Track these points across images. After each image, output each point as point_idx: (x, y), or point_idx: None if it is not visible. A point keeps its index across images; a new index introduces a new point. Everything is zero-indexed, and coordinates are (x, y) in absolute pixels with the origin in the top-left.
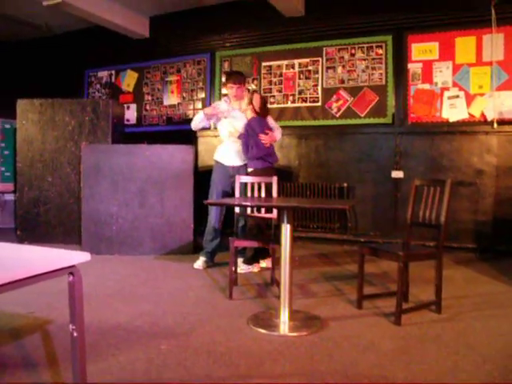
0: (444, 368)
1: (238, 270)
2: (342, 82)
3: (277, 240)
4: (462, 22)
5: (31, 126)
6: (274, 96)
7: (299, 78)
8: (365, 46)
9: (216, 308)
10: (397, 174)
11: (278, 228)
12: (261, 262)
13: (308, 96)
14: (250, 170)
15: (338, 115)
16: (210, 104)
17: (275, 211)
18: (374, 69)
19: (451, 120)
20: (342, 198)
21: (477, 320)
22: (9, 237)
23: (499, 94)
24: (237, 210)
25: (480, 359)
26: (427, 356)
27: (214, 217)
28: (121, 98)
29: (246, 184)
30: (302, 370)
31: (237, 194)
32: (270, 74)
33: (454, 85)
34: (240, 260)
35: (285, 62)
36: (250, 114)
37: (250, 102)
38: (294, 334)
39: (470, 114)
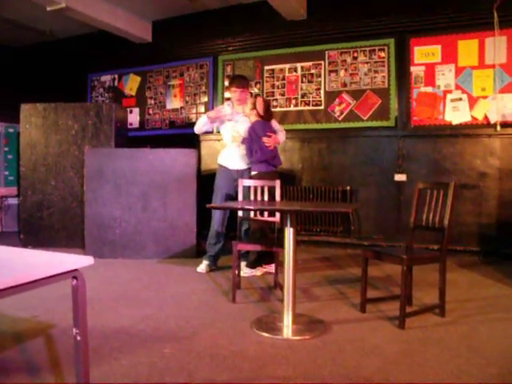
0: (448, 371)
1: (242, 274)
2: (345, 85)
3: (280, 244)
4: (465, 25)
5: (34, 130)
6: (276, 99)
7: (302, 82)
8: (367, 49)
9: (219, 312)
10: (400, 177)
11: (281, 232)
12: (264, 266)
13: (311, 99)
14: (253, 173)
15: (340, 118)
16: (213, 108)
17: (278, 215)
18: (376, 72)
19: (454, 123)
20: (345, 201)
21: (481, 323)
22: (12, 241)
23: (502, 96)
24: (240, 213)
25: (484, 362)
26: (431, 359)
27: (217, 220)
28: (124, 102)
29: (249, 187)
30: (305, 373)
31: (240, 197)
32: (273, 77)
33: (457, 88)
34: (243, 264)
35: (287, 66)
36: (254, 119)
37: (254, 107)
38: (298, 337)
39: (472, 116)
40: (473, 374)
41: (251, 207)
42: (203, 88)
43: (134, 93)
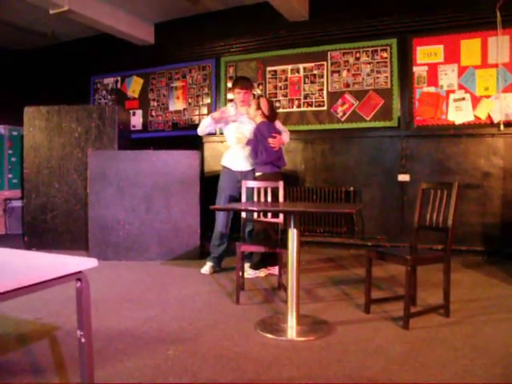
0: (452, 372)
1: (246, 275)
2: (347, 85)
3: (283, 245)
4: (467, 25)
5: (38, 133)
6: (279, 100)
7: (304, 83)
8: (369, 49)
9: (223, 313)
10: (403, 178)
11: (284, 233)
12: (268, 268)
13: (313, 100)
14: (258, 174)
15: (343, 119)
16: (216, 109)
17: (282, 216)
18: (379, 72)
19: (457, 123)
20: (349, 201)
21: (486, 323)
22: (16, 243)
23: (505, 95)
24: (243, 215)
25: (489, 362)
26: (435, 360)
27: (221, 222)
28: (127, 104)
29: (252, 189)
30: (309, 374)
31: (243, 199)
32: (275, 78)
33: (460, 87)
34: (247, 265)
35: (290, 67)
36: (260, 118)
37: (258, 107)
38: (302, 338)
39: (476, 116)
40: (477, 375)
41: (255, 208)
42: (206, 90)
43: (136, 95)
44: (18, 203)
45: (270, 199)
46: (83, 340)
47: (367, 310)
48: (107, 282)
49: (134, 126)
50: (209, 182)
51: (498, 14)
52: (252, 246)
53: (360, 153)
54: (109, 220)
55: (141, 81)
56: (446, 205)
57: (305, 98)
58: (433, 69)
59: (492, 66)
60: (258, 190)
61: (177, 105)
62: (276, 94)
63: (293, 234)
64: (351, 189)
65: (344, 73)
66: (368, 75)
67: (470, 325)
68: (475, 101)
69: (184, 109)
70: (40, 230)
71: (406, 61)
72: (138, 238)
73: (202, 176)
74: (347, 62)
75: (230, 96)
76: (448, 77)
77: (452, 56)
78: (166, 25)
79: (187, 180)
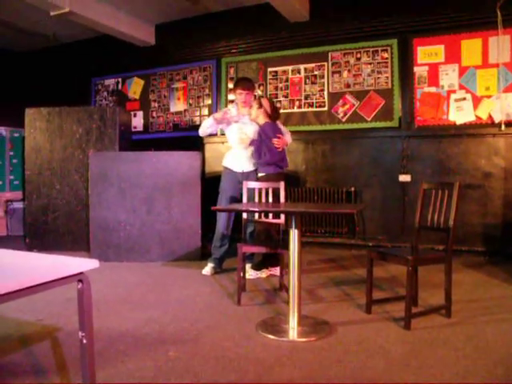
0: (454, 372)
1: (247, 276)
2: (348, 86)
3: (285, 245)
4: (468, 25)
5: (39, 135)
6: (280, 101)
7: (305, 83)
8: (370, 49)
9: (224, 314)
10: (404, 178)
11: (285, 233)
12: (269, 269)
13: (314, 101)
14: (261, 174)
15: (344, 119)
16: (217, 110)
17: (283, 216)
18: (379, 73)
19: (458, 123)
20: (350, 202)
21: (487, 324)
22: (18, 244)
23: (506, 95)
24: (245, 215)
25: (491, 363)
26: (437, 360)
27: (222, 223)
28: (127, 106)
29: (253, 189)
30: (311, 375)
31: (244, 199)
32: (276, 79)
33: (461, 87)
34: (248, 266)
35: (290, 68)
36: (263, 119)
37: (260, 106)
38: (303, 339)
39: (477, 116)
40: (479, 375)
41: (256, 209)
42: (207, 90)
43: (137, 96)
44: (19, 205)
45: (271, 200)
46: (84, 341)
47: (368, 311)
48: (108, 283)
49: (134, 127)
50: (210, 183)
51: (499, 13)
52: (253, 246)
53: (361, 153)
54: (110, 221)
55: (141, 82)
56: (447, 205)
57: (306, 98)
58: (433, 69)
59: (493, 66)
60: (260, 190)
61: (178, 106)
62: (277, 94)
63: (294, 235)
64: (352, 189)
65: (345, 73)
66: (369, 75)
67: (472, 325)
68: (476, 101)
69: (185, 110)
70: (41, 232)
71: (406, 61)
72: (139, 239)
73: (203, 177)
74: (348, 62)
75: (230, 97)
76: (449, 77)
77: (453, 56)
78: (166, 26)
79: (188, 181)
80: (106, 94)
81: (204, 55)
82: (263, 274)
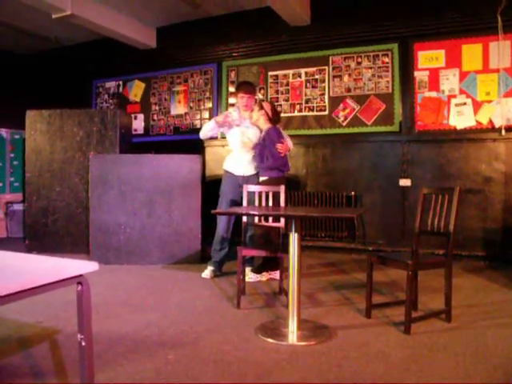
0: (454, 377)
1: (247, 279)
2: (349, 90)
3: (285, 249)
4: (468, 30)
5: (40, 137)
6: (280, 105)
7: (306, 87)
8: (371, 54)
9: (224, 317)
10: (404, 182)
11: (285, 237)
12: (269, 273)
13: (315, 105)
14: (263, 178)
15: (344, 124)
16: (218, 114)
17: (283, 220)
18: (380, 77)
19: (459, 127)
20: (350, 206)
21: (487, 328)
22: (17, 246)
23: (507, 100)
24: (245, 219)
25: (491, 368)
26: (437, 365)
27: (222, 226)
28: (128, 108)
29: (254, 193)
30: (310, 379)
31: (245, 203)
32: (277, 83)
33: (461, 92)
34: (248, 269)
35: (291, 72)
36: (263, 122)
37: (261, 108)
38: (303, 343)
39: (477, 121)
40: (479, 380)
41: (256, 213)
42: (207, 94)
43: (138, 99)
44: (19, 206)
45: (271, 203)
46: (83, 343)
47: (368, 315)
48: (108, 285)
49: (135, 130)
50: (210, 186)
51: (499, 19)
52: (253, 250)
53: (361, 157)
54: (110, 224)
55: (142, 85)
56: (447, 210)
57: (306, 102)
58: (434, 74)
59: (493, 71)
60: (260, 194)
61: (178, 109)
62: (277, 98)
63: (294, 239)
64: (352, 193)
65: (345, 77)
66: (369, 80)
67: (472, 330)
68: (476, 106)
69: (185, 113)
70: (41, 234)
71: (407, 65)
72: (139, 241)
73: (204, 180)
74: (349, 66)
75: (231, 100)
76: (449, 81)
77: (453, 61)
78: (167, 29)
79: (188, 184)
80: (106, 96)
81: (205, 58)
82: (263, 277)
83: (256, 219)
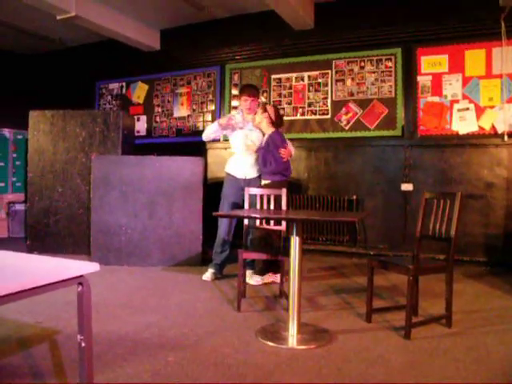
0: (454, 382)
1: (252, 282)
2: (352, 94)
3: (286, 252)
4: (472, 35)
5: (43, 137)
6: (283, 108)
7: (309, 91)
8: (374, 58)
9: (224, 320)
10: (406, 187)
11: (286, 240)
12: (269, 275)
13: (317, 108)
14: (265, 182)
15: (347, 128)
16: (220, 116)
17: (284, 223)
18: (383, 81)
19: (461, 133)
20: (352, 210)
21: (488, 335)
22: (19, 246)
23: (509, 106)
24: (246, 222)
25: (491, 374)
26: (437, 371)
27: (223, 229)
28: (131, 110)
29: (255, 196)
30: (309, 383)
31: (246, 206)
32: (280, 86)
33: (464, 97)
34: (250, 272)
35: (294, 75)
36: (266, 125)
37: (264, 111)
38: (303, 347)
39: (479, 126)
40: None
41: (257, 215)
42: (210, 96)
43: (141, 100)
44: (21, 206)
45: (272, 207)
46: (83, 344)
47: (368, 319)
48: (109, 286)
49: (138, 132)
50: (212, 189)
51: (503, 24)
52: (254, 253)
53: (363, 162)
54: (111, 225)
55: (146, 87)
56: (449, 215)
57: (309, 106)
58: (437, 78)
59: (496, 77)
60: (261, 197)
61: (181, 111)
62: (280, 101)
63: (295, 242)
64: (354, 197)
65: (348, 81)
66: (372, 84)
67: (472, 336)
68: (479, 111)
69: (188, 115)
70: (42, 234)
71: (410, 70)
72: (140, 243)
73: (205, 182)
74: (352, 70)
75: (234, 103)
76: (452, 87)
77: (456, 66)
78: (171, 31)
79: (190, 186)
80: (109, 97)
81: (208, 61)
82: (267, 278)
83: (257, 222)
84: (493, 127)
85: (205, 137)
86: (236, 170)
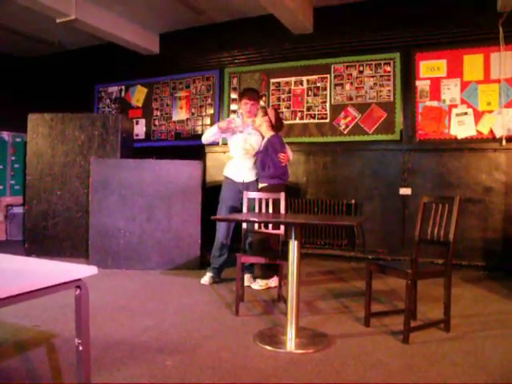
0: None
1: (256, 288)
2: (350, 98)
3: (284, 256)
4: (470, 40)
5: (41, 140)
6: (282, 112)
7: (307, 95)
8: (373, 63)
9: (222, 324)
10: (405, 191)
11: (285, 244)
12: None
13: (316, 112)
14: (263, 185)
15: (345, 132)
16: (219, 120)
17: (283, 227)
18: (382, 86)
19: (459, 137)
20: (350, 214)
21: (486, 339)
22: (17, 249)
23: (508, 111)
24: (244, 225)
25: (490, 379)
26: (435, 375)
27: (222, 233)
28: (130, 113)
29: (254, 200)
30: None
31: (245, 209)
32: (279, 90)
33: (462, 102)
34: (247, 276)
35: (293, 79)
36: (266, 128)
37: (265, 114)
38: (301, 351)
39: (478, 131)
40: None
41: (256, 219)
42: (209, 100)
43: (140, 104)
44: (19, 209)
45: (271, 210)
46: (81, 348)
47: (367, 324)
48: (107, 290)
49: (137, 135)
50: (210, 192)
51: (501, 29)
52: (252, 257)
53: (362, 166)
54: (110, 228)
55: (145, 90)
56: (447, 219)
57: (308, 110)
58: (435, 83)
59: (494, 82)
60: (260, 201)
61: (180, 115)
62: (279, 105)
63: (293, 246)
64: (353, 201)
65: (347, 86)
66: (371, 88)
67: (471, 340)
68: (477, 116)
69: (187, 119)
70: (41, 237)
71: (408, 75)
72: (138, 246)
73: (204, 186)
74: (350, 75)
75: (233, 107)
76: (451, 91)
77: (455, 71)
78: (170, 35)
79: (189, 190)
80: (108, 101)
81: (207, 65)
82: (273, 282)
83: (256, 226)
84: (491, 132)
85: (204, 140)
86: (234, 173)
